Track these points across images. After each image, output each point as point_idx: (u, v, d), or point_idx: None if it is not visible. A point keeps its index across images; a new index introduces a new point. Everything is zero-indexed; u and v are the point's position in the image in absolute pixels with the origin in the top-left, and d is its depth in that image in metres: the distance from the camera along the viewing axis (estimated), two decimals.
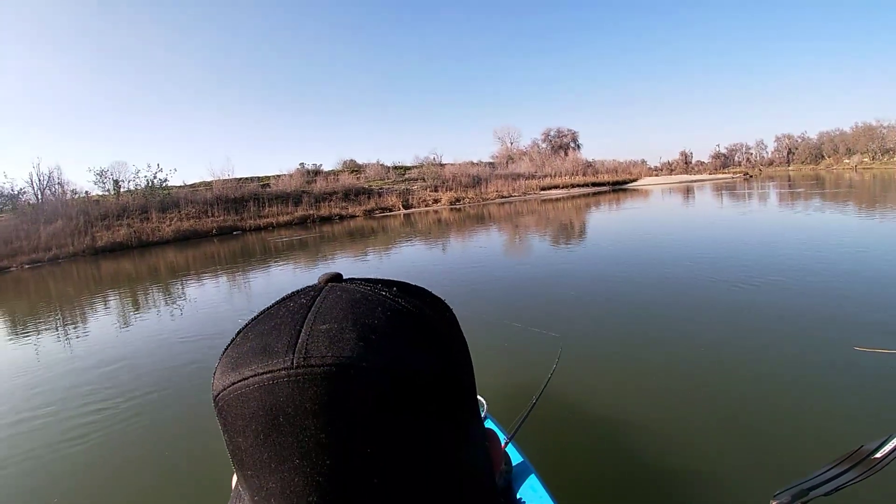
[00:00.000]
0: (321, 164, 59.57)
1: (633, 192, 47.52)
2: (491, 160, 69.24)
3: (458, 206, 46.98)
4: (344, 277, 0.51)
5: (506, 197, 52.85)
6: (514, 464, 2.68)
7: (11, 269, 31.93)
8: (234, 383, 0.40)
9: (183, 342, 8.72)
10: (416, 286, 0.52)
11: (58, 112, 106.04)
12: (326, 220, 44.31)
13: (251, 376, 0.40)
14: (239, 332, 0.45)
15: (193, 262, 24.02)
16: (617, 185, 60.73)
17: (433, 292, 0.52)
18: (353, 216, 45.29)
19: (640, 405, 4.54)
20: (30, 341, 10.71)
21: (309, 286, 0.49)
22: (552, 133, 79.98)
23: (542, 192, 55.49)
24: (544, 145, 77.99)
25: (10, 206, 42.89)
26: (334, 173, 57.05)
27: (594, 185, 59.55)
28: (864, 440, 1.45)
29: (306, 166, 57.63)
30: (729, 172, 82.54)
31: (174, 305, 13.10)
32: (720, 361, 5.26)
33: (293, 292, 0.48)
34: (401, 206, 48.28)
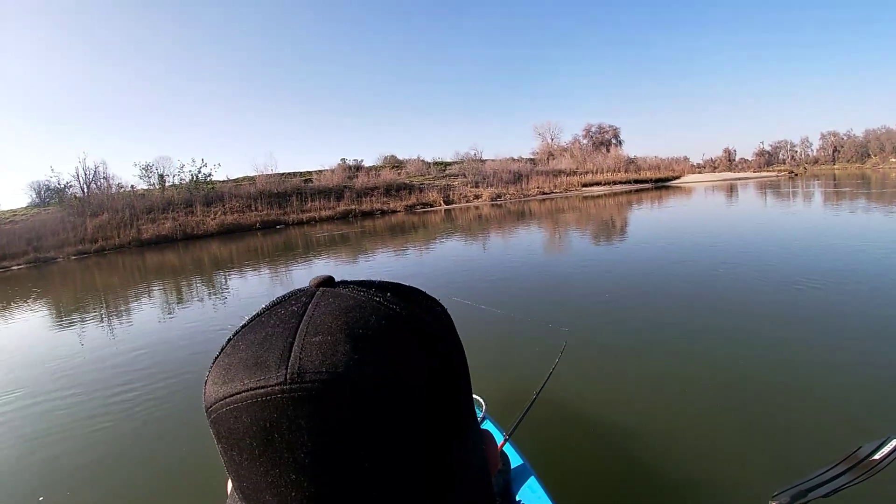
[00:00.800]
0: (362, 160, 59.00)
1: (676, 190, 45.94)
2: (531, 156, 68.07)
3: (498, 203, 46.06)
4: (336, 280, 0.49)
5: (547, 193, 51.54)
6: (513, 465, 2.65)
7: (58, 259, 32.63)
8: (226, 397, 0.39)
9: (223, 333, 8.26)
10: (410, 288, 0.50)
11: (105, 111, 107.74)
12: (368, 215, 43.84)
13: (244, 391, 0.38)
14: (229, 341, 0.44)
15: (237, 255, 24.13)
16: (659, 182, 58.99)
17: (430, 296, 0.51)
18: (394, 211, 44.85)
19: (640, 406, 4.53)
20: (75, 328, 11.07)
21: (300, 290, 0.47)
22: (593, 129, 78.51)
23: (584, 188, 54.20)
24: (585, 141, 76.46)
25: (56, 199, 43.89)
26: (375, 169, 56.42)
27: (636, 182, 58.01)
28: (863, 441, 1.42)
29: (347, 161, 57.04)
30: (773, 170, 79.80)
31: (217, 297, 13.27)
32: (719, 363, 5.23)
33: (283, 297, 0.46)
34: (441, 202, 47.53)
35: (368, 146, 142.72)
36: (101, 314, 12.73)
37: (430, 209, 45.20)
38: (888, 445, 1.33)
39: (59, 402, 6.29)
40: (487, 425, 3.13)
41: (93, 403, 6.05)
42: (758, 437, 3.81)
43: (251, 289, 14.09)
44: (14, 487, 4.34)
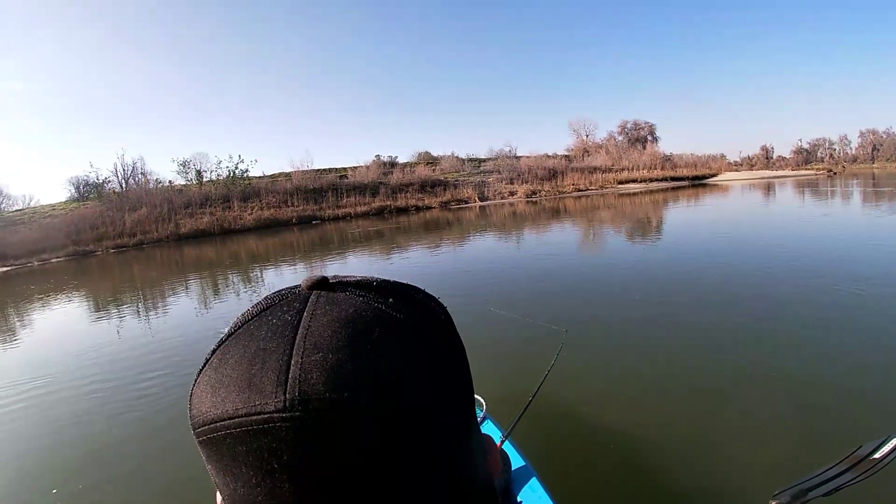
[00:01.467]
0: (396, 156, 58.78)
1: (713, 188, 44.77)
2: (566, 153, 66.79)
3: (534, 199, 45.21)
4: (332, 281, 0.44)
5: (582, 190, 50.37)
6: (514, 466, 2.63)
7: (97, 252, 33.20)
8: (216, 421, 0.36)
9: None
10: (410, 287, 0.47)
11: (143, 108, 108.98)
12: (403, 211, 43.50)
13: (237, 417, 0.35)
14: (214, 352, 0.40)
15: (273, 250, 24.33)
16: (696, 179, 57.39)
17: (430, 295, 0.48)
18: (429, 207, 44.31)
19: (641, 407, 4.48)
20: (112, 319, 11.45)
21: (291, 291, 0.43)
22: (629, 125, 76.80)
23: (620, 185, 53.05)
24: (620, 138, 74.98)
25: (94, 194, 44.46)
26: (410, 165, 55.96)
27: (673, 179, 56.59)
28: (864, 440, 1.41)
29: (382, 158, 56.72)
30: (812, 169, 77.34)
31: (252, 290, 13.25)
32: (720, 364, 5.22)
33: (273, 301, 0.42)
34: (476, 199, 46.77)
35: (403, 143, 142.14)
36: (138, 306, 12.97)
37: (464, 206, 44.47)
38: (888, 445, 1.29)
39: (89, 388, 6.43)
40: (488, 425, 3.13)
41: (122, 391, 6.16)
42: (758, 436, 3.81)
43: (286, 282, 13.44)
44: (37, 469, 4.48)
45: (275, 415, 0.34)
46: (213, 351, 0.40)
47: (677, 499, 3.24)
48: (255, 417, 0.35)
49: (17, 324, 12.74)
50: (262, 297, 0.44)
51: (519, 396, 4.11)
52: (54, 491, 4.00)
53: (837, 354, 5.12)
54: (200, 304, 12.10)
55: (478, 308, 7.90)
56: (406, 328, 0.41)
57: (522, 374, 5.12)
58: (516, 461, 2.67)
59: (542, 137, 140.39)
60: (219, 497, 0.42)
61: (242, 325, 0.41)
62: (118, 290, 16.46)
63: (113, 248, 33.94)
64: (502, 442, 2.67)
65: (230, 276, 16.65)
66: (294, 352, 0.37)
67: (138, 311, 12.15)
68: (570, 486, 3.37)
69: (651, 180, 55.11)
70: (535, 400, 3.31)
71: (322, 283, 0.43)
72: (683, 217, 22.64)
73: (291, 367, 0.36)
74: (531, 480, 2.51)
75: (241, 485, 0.36)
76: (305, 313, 0.40)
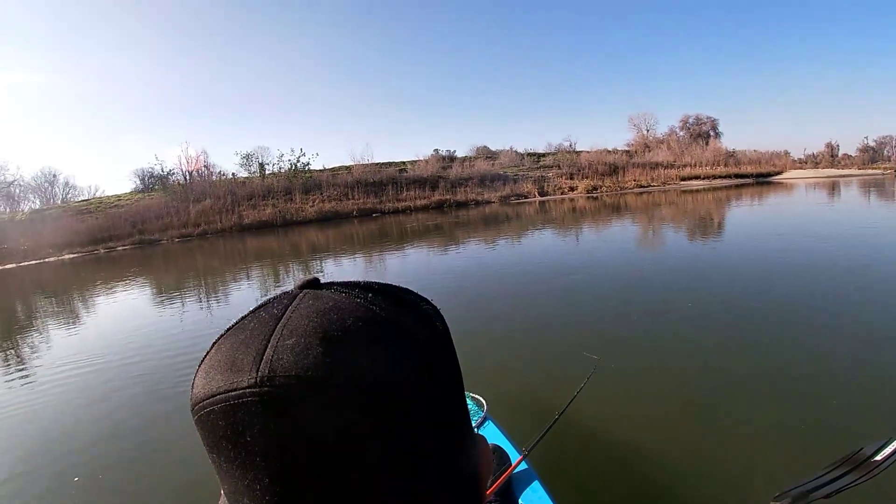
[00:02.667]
0: (454, 151, 57.59)
1: (777, 186, 42.22)
2: (626, 147, 64.65)
3: (594, 195, 43.80)
4: (323, 282, 0.47)
5: (644, 186, 48.61)
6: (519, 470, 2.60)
7: (162, 241, 33.95)
8: (203, 399, 0.39)
9: None
10: (399, 288, 0.48)
11: (207, 103, 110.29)
12: (462, 205, 42.41)
13: (218, 394, 0.38)
14: (214, 343, 0.43)
15: (333, 242, 24.40)
16: (761, 177, 54.54)
17: (421, 297, 0.49)
18: (488, 202, 43.35)
19: (640, 409, 4.40)
20: (174, 305, 11.62)
21: (285, 292, 0.45)
22: (691, 120, 73.36)
23: (682, 182, 50.92)
24: (682, 133, 71.98)
25: (159, 185, 45.10)
26: (469, 159, 55.07)
27: (737, 176, 54.00)
28: (865, 442, 1.35)
29: (440, 152, 55.81)
30: (879, 168, 73.28)
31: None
32: (721, 364, 5.17)
33: (269, 299, 0.45)
34: (536, 194, 45.75)
35: (460, 137, 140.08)
36: (200, 293, 13.39)
37: (524, 200, 43.56)
38: (890, 446, 1.24)
39: (140, 373, 6.58)
40: (489, 426, 3.10)
41: (172, 378, 6.18)
42: (759, 438, 3.76)
43: (345, 273, 13.94)
44: (77, 446, 4.66)
45: (246, 390, 0.36)
46: (214, 342, 0.42)
47: (678, 500, 3.23)
48: (231, 394, 0.37)
49: (82, 307, 13.36)
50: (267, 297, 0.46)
51: (524, 398, 4.61)
52: (76, 479, 4.06)
53: (840, 356, 5.04)
54: (261, 292, 11.98)
55: (509, 311, 7.92)
56: (383, 321, 0.42)
57: (546, 387, 4.97)
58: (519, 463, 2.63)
59: (601, 132, 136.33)
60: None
61: (240, 320, 0.43)
62: (181, 278, 16.86)
63: (178, 238, 34.53)
64: (521, 460, 2.52)
65: (290, 267, 16.68)
66: (272, 337, 0.39)
67: (200, 298, 12.46)
68: (572, 487, 3.37)
69: (714, 177, 52.65)
70: (537, 400, 3.59)
71: (312, 283, 0.46)
72: (752, 218, 20.77)
73: (267, 350, 0.38)
74: (533, 483, 2.48)
75: (224, 460, 0.38)
76: (290, 307, 0.42)
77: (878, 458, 1.22)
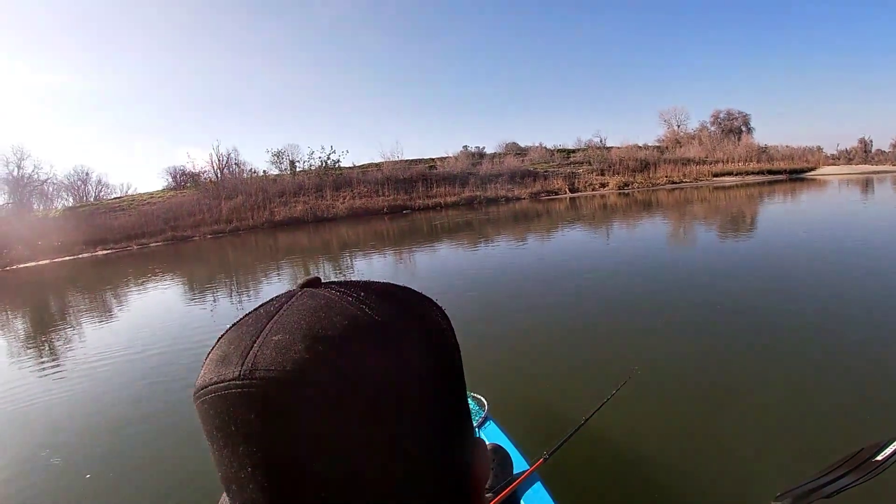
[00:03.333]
0: (484, 147, 56.67)
1: (811, 183, 40.91)
2: (657, 143, 63.13)
3: (626, 191, 43.07)
4: (323, 281, 0.47)
5: (676, 183, 47.30)
6: (518, 469, 2.63)
7: (195, 238, 34.37)
8: (198, 390, 0.40)
9: None
10: (399, 288, 0.48)
11: (237, 101, 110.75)
12: (493, 201, 41.85)
13: (209, 385, 0.39)
14: (218, 340, 0.44)
15: (363, 238, 24.38)
16: (794, 173, 52.93)
17: (422, 296, 0.49)
18: (518, 199, 42.78)
19: (640, 408, 4.35)
20: (206, 299, 12.16)
21: (286, 291, 0.47)
22: (721, 115, 71.75)
23: (715, 178, 49.66)
24: (713, 129, 70.40)
25: (191, 183, 45.48)
26: (499, 156, 54.10)
27: (769, 172, 52.54)
28: (866, 442, 1.40)
29: (469, 149, 55.10)
30: None
31: (340, 276, 12.66)
32: (721, 365, 5.18)
33: (271, 298, 0.46)
34: (567, 190, 44.80)
35: (489, 133, 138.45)
36: (230, 287, 13.71)
37: (554, 197, 42.76)
38: (892, 446, 1.26)
39: (168, 365, 6.76)
40: (491, 426, 3.12)
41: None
42: (761, 438, 3.76)
43: (374, 268, 14.25)
44: (98, 436, 4.87)
45: (231, 382, 0.38)
46: (218, 339, 0.44)
47: (680, 500, 3.23)
48: (220, 384, 0.38)
49: (114, 301, 13.73)
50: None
51: (525, 400, 4.70)
52: (87, 476, 4.13)
53: (843, 355, 5.07)
54: (291, 287, 12.32)
55: (526, 312, 7.80)
56: (371, 321, 0.42)
57: (553, 390, 5.01)
58: (520, 464, 2.67)
59: (631, 127, 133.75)
60: None
61: (242, 317, 0.44)
62: (213, 273, 17.27)
63: (210, 234, 34.87)
64: (534, 468, 2.52)
65: (321, 262, 16.94)
66: (261, 334, 0.40)
67: (230, 293, 12.77)
68: (574, 488, 3.38)
69: (747, 173, 51.29)
70: (541, 402, 3.82)
71: (313, 283, 0.46)
72: (787, 217, 19.72)
73: (254, 346, 0.39)
74: (535, 484, 2.48)
75: (216, 448, 0.40)
76: (285, 305, 0.43)
77: (879, 458, 1.21)
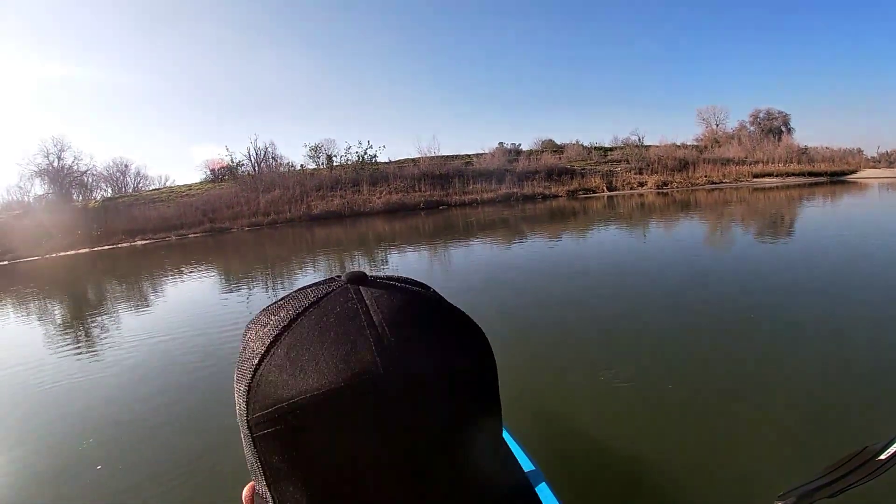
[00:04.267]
0: (519, 144, 55.52)
1: (852, 186, 39.11)
2: (695, 142, 61.50)
3: (665, 191, 42.01)
4: (369, 276, 0.48)
5: (716, 183, 46.04)
6: (525, 471, 1.45)
7: (233, 230, 34.57)
8: (315, 392, 0.38)
9: None
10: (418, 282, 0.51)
11: (274, 96, 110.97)
12: (529, 198, 41.26)
13: (339, 385, 0.38)
14: (274, 345, 0.41)
15: (399, 233, 24.49)
16: (835, 175, 51.08)
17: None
18: (555, 196, 41.98)
19: (647, 410, 4.38)
20: (241, 289, 12.15)
21: (334, 288, 0.45)
22: (761, 115, 69.76)
23: (755, 179, 48.09)
24: (752, 128, 68.32)
25: (228, 176, 45.60)
26: (536, 153, 53.26)
27: (810, 174, 50.75)
28: (869, 441, 1.33)
29: (505, 145, 54.18)
30: None
31: (375, 268, 13.20)
32: (726, 365, 5.14)
33: (319, 294, 0.45)
34: (604, 188, 43.90)
35: (524, 130, 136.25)
36: (266, 279, 13.72)
37: (591, 195, 41.85)
38: (894, 446, 1.21)
39: (195, 356, 6.72)
40: None
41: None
42: (764, 438, 3.73)
43: (408, 263, 14.19)
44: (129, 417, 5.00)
45: (378, 379, 0.37)
46: (272, 344, 0.41)
47: (684, 499, 3.21)
48: (361, 379, 0.37)
49: (157, 289, 13.96)
50: (297, 291, 0.46)
51: (543, 408, 4.61)
52: (98, 468, 4.08)
53: (847, 356, 5.00)
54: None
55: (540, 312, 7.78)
56: (457, 312, 0.46)
57: (550, 387, 5.03)
58: (525, 465, 2.63)
59: (668, 125, 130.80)
60: (246, 491, 0.45)
61: (296, 318, 0.42)
62: (250, 264, 17.73)
63: (247, 227, 35.05)
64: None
65: (356, 256, 17.00)
66: (379, 331, 0.40)
67: (266, 283, 12.87)
68: (579, 489, 3.35)
69: (787, 175, 49.63)
70: (546, 404, 4.28)
71: (362, 278, 0.46)
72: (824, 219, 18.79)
73: (383, 341, 0.39)
74: (540, 485, 2.46)
75: (342, 452, 0.38)
76: (366, 301, 0.43)
77: (883, 456, 1.19)
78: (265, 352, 0.41)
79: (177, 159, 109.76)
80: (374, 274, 0.48)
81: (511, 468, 0.44)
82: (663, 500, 3.26)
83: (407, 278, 0.49)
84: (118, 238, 32.93)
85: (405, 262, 14.47)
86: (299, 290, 0.46)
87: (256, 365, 0.40)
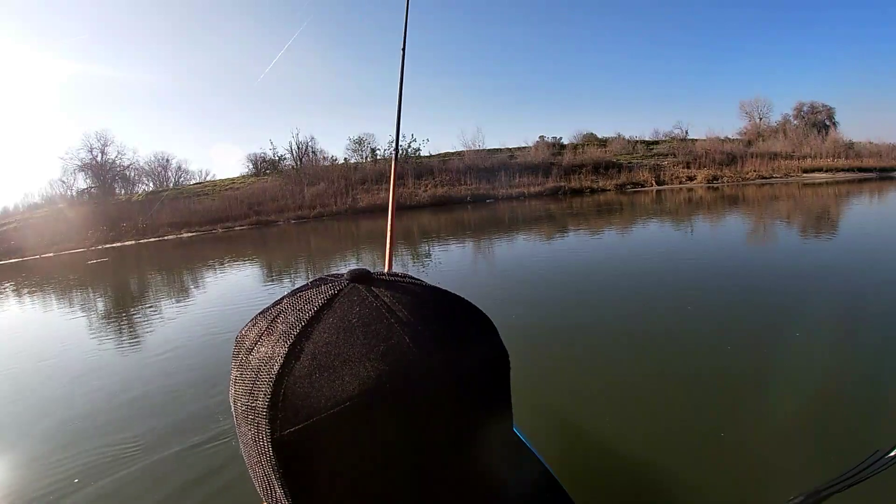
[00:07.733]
0: (560, 137, 53.31)
1: None
2: (738, 136, 58.31)
3: (714, 185, 39.76)
4: (373, 275, 0.45)
5: (766, 178, 43.27)
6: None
7: (279, 223, 34.43)
8: (355, 397, 0.35)
9: None
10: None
11: (314, 91, 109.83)
12: (577, 192, 39.45)
13: (382, 385, 0.36)
14: (293, 352, 0.38)
15: (444, 226, 23.82)
16: (884, 171, 47.74)
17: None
18: (604, 190, 40.29)
19: (655, 409, 4.19)
20: (284, 282, 11.84)
21: (342, 288, 0.42)
22: (805, 108, 66.14)
23: (805, 174, 45.06)
24: (796, 122, 64.81)
25: (271, 169, 45.31)
26: (580, 147, 51.05)
27: (859, 170, 47.42)
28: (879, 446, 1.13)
29: (546, 139, 52.03)
30: None
31: (420, 266, 12.72)
32: (735, 367, 4.82)
33: (330, 294, 0.42)
34: (653, 182, 41.95)
35: (562, 123, 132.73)
36: (308, 269, 13.77)
37: (640, 189, 40.03)
38: None
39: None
40: None
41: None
42: (773, 442, 3.50)
43: (452, 259, 13.62)
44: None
45: (422, 375, 0.36)
46: (290, 353, 0.38)
47: (691, 502, 3.10)
48: (405, 376, 0.36)
49: (190, 282, 13.82)
50: (294, 295, 0.43)
51: (545, 405, 4.36)
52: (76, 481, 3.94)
53: (859, 360, 4.73)
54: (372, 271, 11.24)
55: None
56: (475, 307, 0.45)
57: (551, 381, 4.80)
58: None
59: (710, 117, 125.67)
60: None
61: (310, 322, 0.39)
62: (295, 255, 17.68)
63: (293, 220, 34.80)
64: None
65: (400, 250, 16.07)
66: (411, 328, 0.38)
67: (308, 276, 12.42)
68: (584, 489, 3.08)
69: (836, 170, 46.42)
70: (551, 402, 4.12)
71: (366, 277, 0.44)
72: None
73: (418, 338, 0.38)
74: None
75: (375, 454, 0.35)
76: (384, 299, 0.41)
77: (893, 454, 1.03)
78: (284, 362, 0.37)
79: (217, 153, 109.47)
80: (375, 271, 0.46)
81: (527, 461, 0.41)
82: (668, 500, 3.12)
83: (406, 274, 0.47)
84: (164, 230, 32.73)
85: (449, 257, 13.97)
86: (295, 292, 0.43)
87: (277, 378, 0.37)
